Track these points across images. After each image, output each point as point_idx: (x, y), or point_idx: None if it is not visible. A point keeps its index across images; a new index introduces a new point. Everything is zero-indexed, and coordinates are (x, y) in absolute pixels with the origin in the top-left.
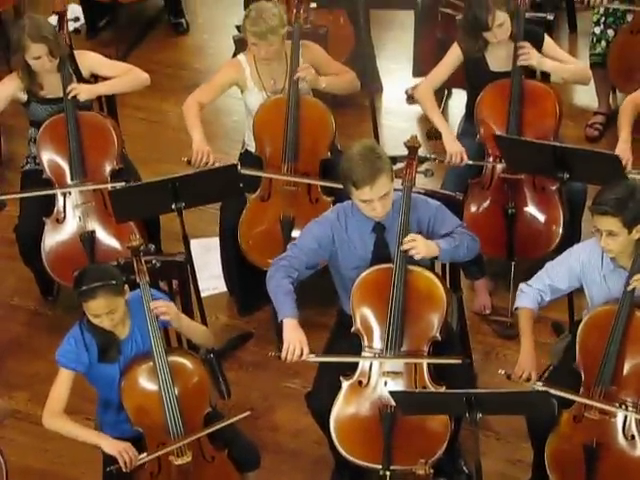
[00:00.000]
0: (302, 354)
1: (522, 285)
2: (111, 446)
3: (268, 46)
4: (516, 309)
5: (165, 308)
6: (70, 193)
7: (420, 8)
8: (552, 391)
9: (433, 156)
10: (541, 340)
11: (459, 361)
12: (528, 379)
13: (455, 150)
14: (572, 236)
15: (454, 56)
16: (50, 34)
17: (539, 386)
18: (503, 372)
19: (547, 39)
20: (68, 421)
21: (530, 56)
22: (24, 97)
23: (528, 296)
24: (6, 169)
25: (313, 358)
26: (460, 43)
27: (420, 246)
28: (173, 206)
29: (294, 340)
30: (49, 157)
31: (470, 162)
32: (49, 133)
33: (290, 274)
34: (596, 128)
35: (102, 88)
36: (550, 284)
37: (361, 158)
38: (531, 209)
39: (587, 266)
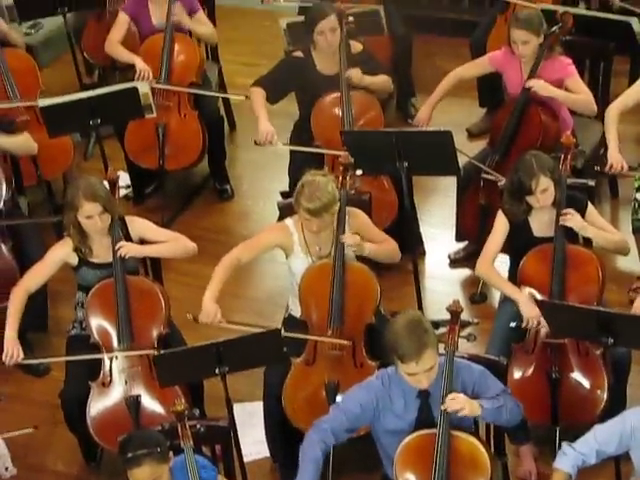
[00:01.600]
0: None
1: (565, 446)
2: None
3: (321, 222)
4: (554, 469)
5: None
6: (117, 357)
7: (462, 174)
8: None
9: (476, 320)
10: None
11: None
12: None
13: (533, 314)
14: (617, 401)
15: (501, 225)
16: (103, 192)
17: None
18: None
19: (590, 207)
20: None
21: (573, 218)
22: (75, 260)
23: (569, 459)
24: (52, 335)
25: None
26: (504, 207)
27: (462, 402)
28: (217, 370)
29: None
30: (97, 321)
31: (513, 324)
32: (98, 297)
33: (326, 439)
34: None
35: (149, 250)
36: (597, 449)
37: (407, 332)
38: (575, 374)
39: (639, 431)
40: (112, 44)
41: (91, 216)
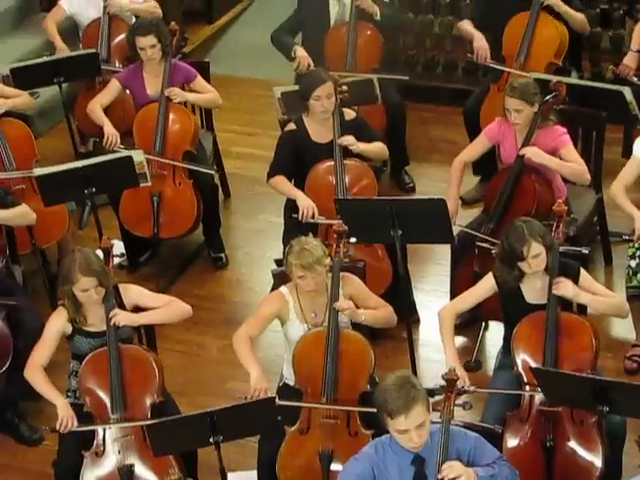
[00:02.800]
0: None
1: None
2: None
3: (316, 276)
4: None
5: None
6: (110, 427)
7: (457, 242)
8: None
9: (472, 389)
10: None
11: None
12: None
13: (463, 374)
14: (612, 470)
15: (487, 285)
16: (100, 267)
17: None
18: None
19: (583, 273)
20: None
21: (565, 287)
22: (69, 329)
23: None
24: (46, 403)
25: None
26: (495, 273)
27: (458, 471)
28: (211, 439)
29: None
30: (90, 390)
31: (506, 391)
32: (92, 366)
33: None
34: (635, 360)
35: (142, 318)
36: None
37: (395, 388)
38: (570, 443)
39: None
40: (93, 104)
41: (87, 289)
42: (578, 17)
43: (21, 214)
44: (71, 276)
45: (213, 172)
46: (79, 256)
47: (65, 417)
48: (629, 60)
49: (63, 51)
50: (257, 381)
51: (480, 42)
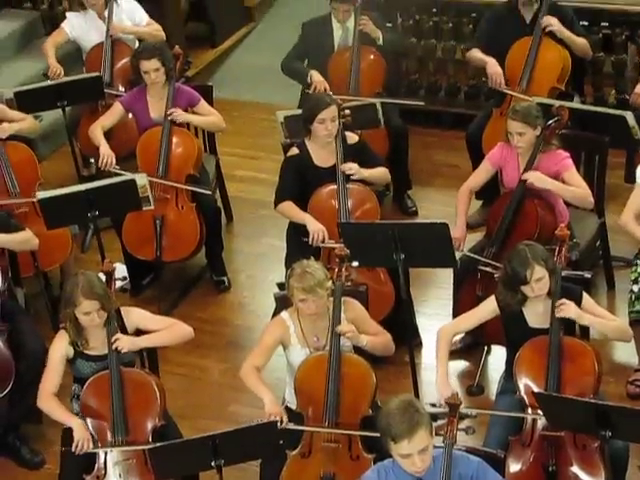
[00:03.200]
0: None
1: None
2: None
3: (318, 300)
4: None
5: None
6: (111, 450)
7: (459, 266)
8: None
9: (474, 413)
10: None
11: None
12: None
13: (446, 393)
14: None
15: (489, 308)
16: (102, 290)
17: None
18: None
19: (585, 297)
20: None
21: (568, 309)
22: (71, 353)
23: None
24: (48, 426)
25: None
26: (498, 296)
27: None
28: (213, 463)
29: None
30: (92, 413)
31: (510, 414)
32: (93, 389)
33: None
34: (637, 385)
35: (144, 342)
36: None
37: (399, 412)
38: (573, 468)
39: None
40: (94, 126)
41: (89, 312)
42: (580, 42)
43: (24, 240)
44: (73, 299)
45: (209, 192)
46: (82, 279)
47: (81, 439)
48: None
49: (54, 69)
50: (271, 406)
51: (494, 67)
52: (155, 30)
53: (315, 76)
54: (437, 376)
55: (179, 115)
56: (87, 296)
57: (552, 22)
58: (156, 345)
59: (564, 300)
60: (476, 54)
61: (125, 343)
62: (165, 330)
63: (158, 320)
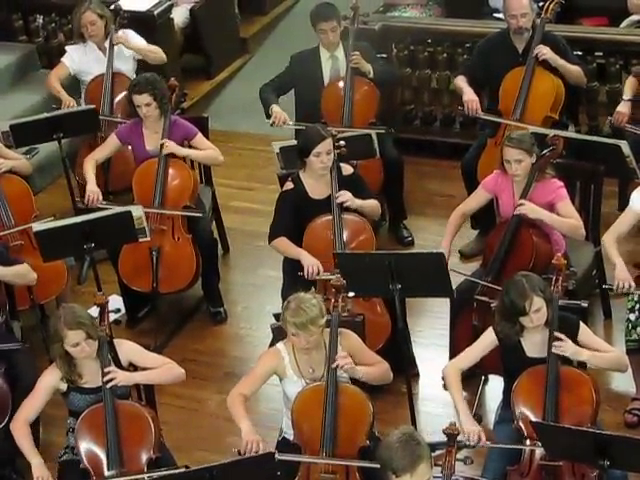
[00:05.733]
0: None
1: None
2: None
3: (309, 336)
4: None
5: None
6: None
7: (455, 296)
8: None
9: (472, 443)
10: None
11: None
12: None
13: (472, 429)
14: None
15: (488, 340)
16: (85, 319)
17: None
18: None
19: (582, 327)
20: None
21: (565, 348)
22: (64, 387)
23: None
24: (43, 459)
25: None
26: (496, 327)
27: None
28: None
29: None
30: (87, 446)
31: (508, 446)
32: (87, 423)
33: None
34: (635, 414)
35: (138, 377)
36: None
37: (400, 446)
38: None
39: None
40: (87, 160)
41: (77, 343)
42: (574, 70)
43: (21, 273)
44: (58, 332)
45: (201, 215)
46: (63, 312)
47: (40, 477)
48: (622, 108)
49: (67, 102)
50: (248, 434)
51: (469, 95)
52: (155, 49)
53: (275, 108)
54: (460, 415)
55: (168, 147)
56: (71, 327)
57: (544, 51)
58: (149, 382)
59: (562, 336)
60: (458, 82)
61: (121, 378)
62: (159, 369)
63: (151, 357)
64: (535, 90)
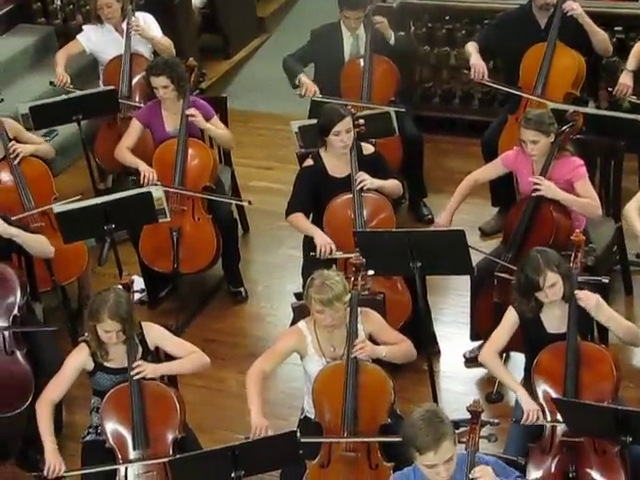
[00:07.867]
0: None
1: None
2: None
3: (334, 313)
4: None
5: None
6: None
7: (476, 273)
8: None
9: (497, 420)
10: None
11: None
12: None
13: (532, 408)
14: None
15: (511, 319)
16: (127, 314)
17: None
18: None
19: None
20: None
21: (588, 298)
22: (91, 365)
23: None
24: (66, 439)
25: None
26: (514, 304)
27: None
28: (232, 474)
29: None
30: (112, 426)
31: (528, 423)
32: (113, 402)
33: None
34: None
35: (165, 369)
36: None
37: (424, 423)
38: (593, 473)
39: None
40: (121, 150)
41: (109, 331)
42: (601, 33)
43: (41, 241)
44: (98, 314)
45: (245, 203)
46: (112, 297)
47: (53, 463)
48: (625, 79)
49: (60, 77)
50: (256, 419)
51: (476, 60)
52: (167, 42)
53: (303, 78)
54: (518, 395)
55: (200, 121)
56: (112, 316)
57: (574, 6)
58: (176, 374)
59: (585, 291)
60: (468, 47)
61: (149, 370)
62: (185, 359)
63: (179, 344)
64: (557, 66)
